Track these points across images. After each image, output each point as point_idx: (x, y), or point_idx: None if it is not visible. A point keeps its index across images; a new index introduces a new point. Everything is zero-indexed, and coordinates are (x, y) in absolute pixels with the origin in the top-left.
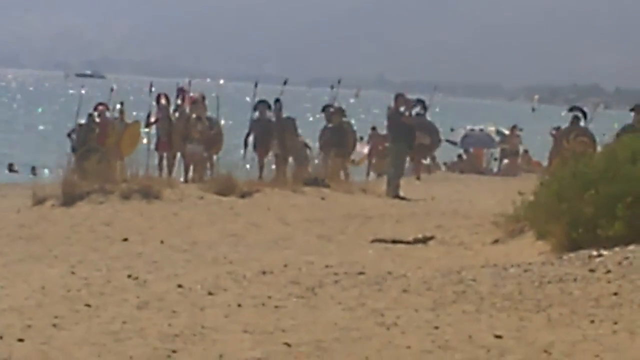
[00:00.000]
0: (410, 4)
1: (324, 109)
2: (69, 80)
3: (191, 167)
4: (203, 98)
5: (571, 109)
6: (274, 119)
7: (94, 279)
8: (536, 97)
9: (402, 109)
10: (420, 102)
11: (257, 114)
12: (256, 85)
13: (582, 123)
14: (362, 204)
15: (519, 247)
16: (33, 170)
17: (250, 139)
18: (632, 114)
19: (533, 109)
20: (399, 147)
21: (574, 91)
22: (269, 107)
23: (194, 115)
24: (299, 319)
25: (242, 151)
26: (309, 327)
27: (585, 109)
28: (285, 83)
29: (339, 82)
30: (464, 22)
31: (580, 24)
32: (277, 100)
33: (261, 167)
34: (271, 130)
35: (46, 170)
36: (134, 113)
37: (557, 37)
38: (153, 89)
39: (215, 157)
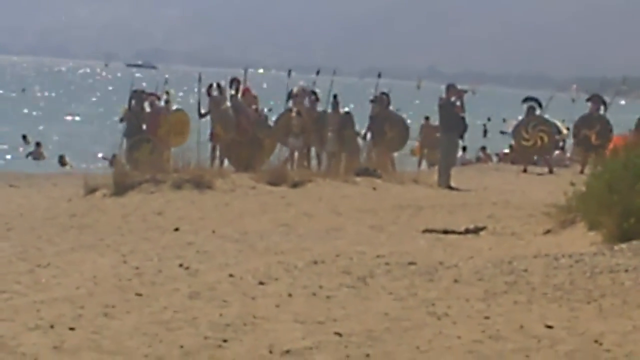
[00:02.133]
0: None
1: (334, 97)
2: (107, 70)
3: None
4: (304, 91)
5: (525, 100)
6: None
7: (145, 269)
8: (574, 86)
9: (453, 99)
10: (384, 94)
11: (290, 102)
12: (289, 74)
13: (537, 112)
14: (413, 194)
15: (571, 238)
16: (61, 159)
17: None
18: (589, 104)
19: (573, 100)
20: (450, 137)
21: (625, 83)
22: (302, 93)
23: (294, 109)
24: (350, 309)
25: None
26: (360, 317)
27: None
28: (317, 73)
29: (379, 75)
30: (514, 12)
31: (630, 14)
32: (314, 93)
33: (291, 156)
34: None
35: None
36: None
37: (608, 27)
38: (202, 79)
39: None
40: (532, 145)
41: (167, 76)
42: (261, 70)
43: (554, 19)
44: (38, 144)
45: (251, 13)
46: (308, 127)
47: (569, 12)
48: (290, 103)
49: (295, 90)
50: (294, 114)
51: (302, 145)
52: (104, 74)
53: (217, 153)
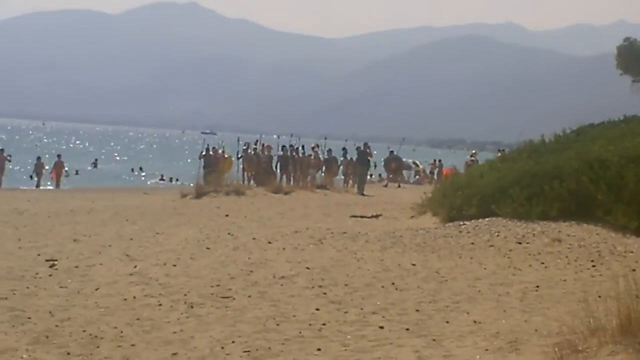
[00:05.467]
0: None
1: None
2: (184, 135)
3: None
4: (318, 145)
5: (391, 151)
6: (288, 154)
7: (211, 235)
8: (466, 147)
9: (368, 150)
10: (330, 150)
11: (281, 152)
12: (278, 137)
13: (395, 153)
14: (345, 198)
15: (424, 220)
16: (162, 178)
17: (278, 166)
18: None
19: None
20: (363, 168)
21: (492, 144)
22: (287, 148)
23: (313, 154)
24: (313, 255)
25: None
26: (318, 260)
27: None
28: (260, 136)
29: (325, 138)
30: (439, 93)
31: (518, 94)
32: (291, 145)
33: (281, 178)
34: (288, 161)
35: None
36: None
37: (504, 104)
38: (240, 141)
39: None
40: (394, 169)
41: (222, 141)
42: (264, 136)
43: (469, 98)
44: (39, 159)
45: (257, 94)
46: (318, 163)
47: (481, 93)
48: (311, 150)
49: (313, 145)
50: (313, 157)
51: (315, 173)
52: (184, 138)
53: (247, 177)
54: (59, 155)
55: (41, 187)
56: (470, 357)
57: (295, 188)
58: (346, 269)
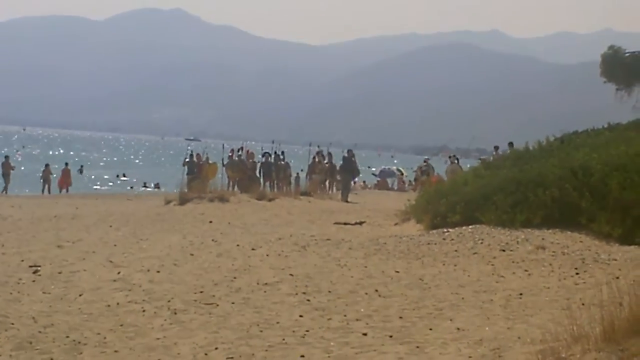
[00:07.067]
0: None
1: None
2: (164, 142)
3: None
4: (319, 152)
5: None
6: (271, 161)
7: (195, 242)
8: (443, 152)
9: (353, 158)
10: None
11: (263, 159)
12: (274, 143)
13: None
14: (329, 205)
15: (408, 227)
16: (144, 185)
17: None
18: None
19: (445, 162)
20: (347, 176)
21: (476, 151)
22: (269, 155)
23: (317, 160)
24: (297, 262)
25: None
26: (302, 266)
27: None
28: (272, 142)
29: (310, 144)
30: (428, 101)
31: (492, 104)
32: (276, 152)
33: (263, 185)
34: (271, 167)
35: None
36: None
37: (489, 110)
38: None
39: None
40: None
41: (205, 147)
42: (253, 143)
43: (454, 106)
44: (47, 165)
45: (242, 100)
46: (325, 170)
47: (466, 100)
48: (316, 158)
49: (317, 150)
50: (317, 162)
51: (322, 179)
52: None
53: (231, 183)
54: (66, 164)
55: (50, 193)
56: None
57: (279, 195)
58: (330, 276)
